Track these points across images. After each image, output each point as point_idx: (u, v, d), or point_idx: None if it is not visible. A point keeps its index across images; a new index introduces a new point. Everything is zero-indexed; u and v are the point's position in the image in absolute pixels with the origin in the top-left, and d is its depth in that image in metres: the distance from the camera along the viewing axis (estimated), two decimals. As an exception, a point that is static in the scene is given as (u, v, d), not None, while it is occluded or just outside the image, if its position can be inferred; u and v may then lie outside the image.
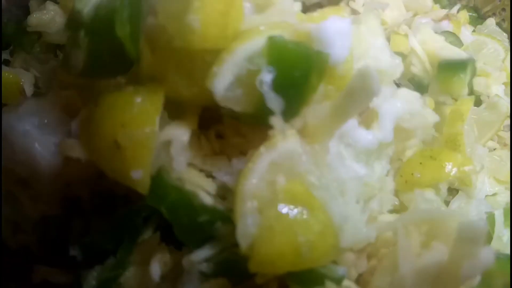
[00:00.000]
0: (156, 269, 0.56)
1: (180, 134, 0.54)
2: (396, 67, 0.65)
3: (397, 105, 0.63)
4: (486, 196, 0.81)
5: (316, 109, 0.52)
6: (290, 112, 0.51)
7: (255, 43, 0.49)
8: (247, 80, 0.49)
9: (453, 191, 0.78)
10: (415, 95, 0.68)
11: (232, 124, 0.57)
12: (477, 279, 0.58)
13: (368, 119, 0.62)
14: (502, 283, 0.68)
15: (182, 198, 0.53)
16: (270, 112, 0.50)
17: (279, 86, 0.49)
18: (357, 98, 0.50)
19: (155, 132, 0.50)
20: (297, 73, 0.49)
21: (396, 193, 0.73)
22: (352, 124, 0.58)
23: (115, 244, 0.58)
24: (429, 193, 0.69)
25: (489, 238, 0.73)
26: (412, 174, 0.72)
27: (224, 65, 0.48)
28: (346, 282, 0.56)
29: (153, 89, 0.51)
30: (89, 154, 0.53)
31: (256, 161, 0.49)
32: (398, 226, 0.57)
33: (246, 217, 0.47)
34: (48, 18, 0.92)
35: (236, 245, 0.49)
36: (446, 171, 0.71)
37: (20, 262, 0.71)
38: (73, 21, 0.55)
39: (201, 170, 0.56)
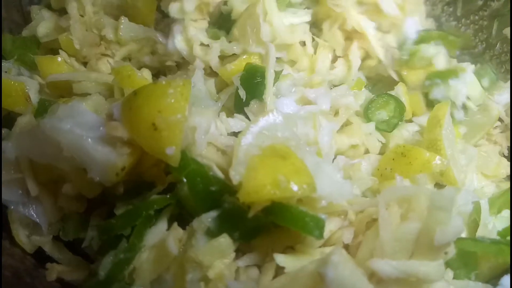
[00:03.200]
0: (172, 245, 0.64)
1: (203, 121, 0.68)
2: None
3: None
4: (474, 189, 0.86)
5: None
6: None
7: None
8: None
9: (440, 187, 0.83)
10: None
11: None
12: (452, 251, 0.63)
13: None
14: (487, 267, 0.73)
15: (199, 169, 0.65)
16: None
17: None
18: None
19: (186, 118, 0.62)
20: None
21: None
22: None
23: (130, 230, 0.67)
24: (406, 181, 0.75)
25: (475, 226, 0.78)
26: (385, 168, 0.79)
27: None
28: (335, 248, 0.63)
29: (183, 83, 0.63)
30: (131, 134, 0.63)
31: (247, 129, 0.66)
32: (379, 200, 0.64)
33: (238, 162, 0.62)
34: (51, 26, 0.97)
35: (237, 208, 0.60)
36: (414, 167, 0.76)
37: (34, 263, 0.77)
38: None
39: (218, 149, 0.69)
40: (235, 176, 0.60)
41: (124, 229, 0.66)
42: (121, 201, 0.70)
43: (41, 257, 0.78)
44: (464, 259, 0.71)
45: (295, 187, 0.58)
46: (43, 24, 0.97)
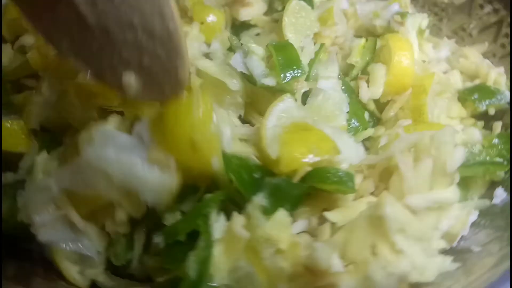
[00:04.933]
0: (241, 230, 0.69)
1: (228, 128, 0.74)
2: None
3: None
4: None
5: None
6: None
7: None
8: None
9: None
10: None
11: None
12: (458, 176, 0.78)
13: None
14: (480, 185, 0.89)
15: (241, 162, 0.73)
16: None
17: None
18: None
19: (217, 126, 0.68)
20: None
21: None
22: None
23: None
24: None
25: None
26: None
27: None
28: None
29: (202, 93, 0.69)
30: (173, 156, 0.66)
31: (268, 115, 0.77)
32: (394, 150, 0.76)
33: (270, 142, 0.73)
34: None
35: (280, 184, 0.70)
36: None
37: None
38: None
39: (240, 140, 0.78)
40: (273, 153, 0.71)
41: (189, 230, 0.69)
42: (168, 211, 0.73)
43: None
44: (461, 183, 0.86)
45: (325, 151, 0.71)
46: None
